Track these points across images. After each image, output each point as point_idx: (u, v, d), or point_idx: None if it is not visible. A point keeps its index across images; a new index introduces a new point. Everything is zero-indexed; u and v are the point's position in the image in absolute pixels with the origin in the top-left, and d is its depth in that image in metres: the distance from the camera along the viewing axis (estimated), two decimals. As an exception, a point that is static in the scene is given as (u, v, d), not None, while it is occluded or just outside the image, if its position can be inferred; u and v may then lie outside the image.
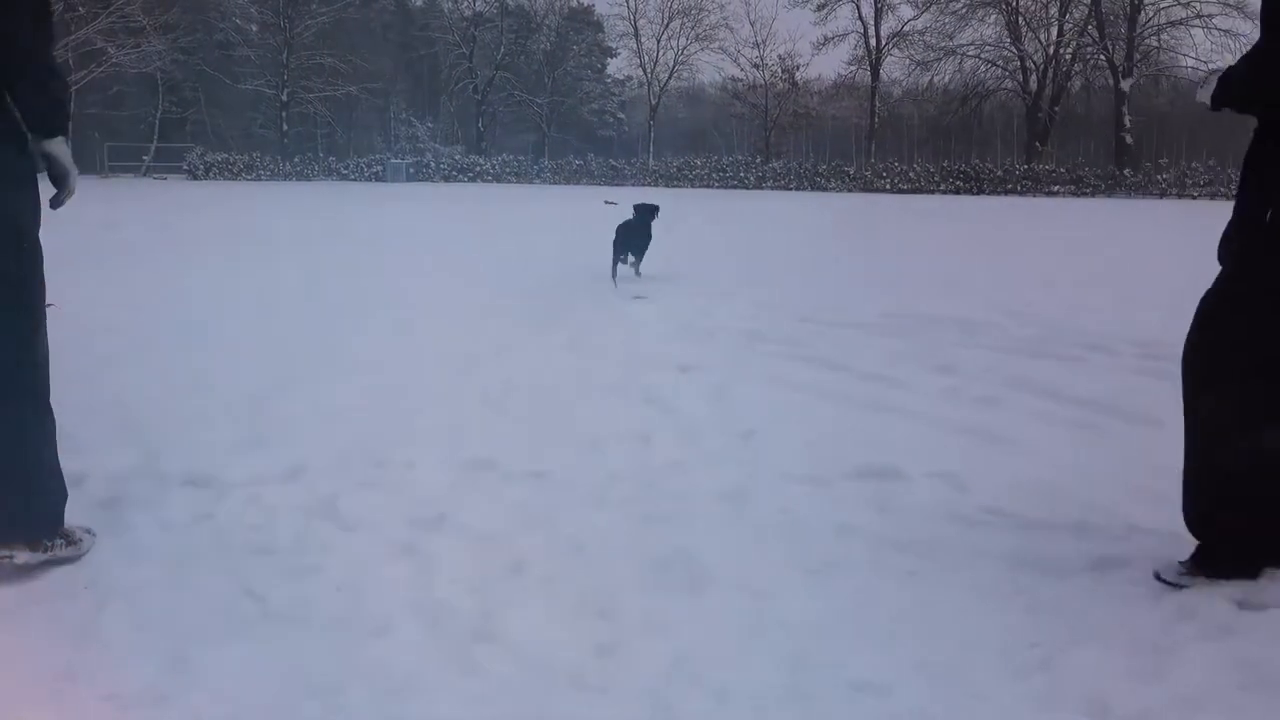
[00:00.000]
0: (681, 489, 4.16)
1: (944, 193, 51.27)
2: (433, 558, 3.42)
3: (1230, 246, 3.17)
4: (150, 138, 60.77)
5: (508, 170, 60.04)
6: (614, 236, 11.21)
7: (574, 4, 75.16)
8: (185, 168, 57.03)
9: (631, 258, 11.34)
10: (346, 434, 4.84)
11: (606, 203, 31.23)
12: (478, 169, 59.83)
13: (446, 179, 59.20)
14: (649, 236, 11.48)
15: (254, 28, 66.06)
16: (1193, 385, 3.24)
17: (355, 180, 57.55)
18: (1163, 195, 47.50)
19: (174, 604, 3.05)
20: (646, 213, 11.35)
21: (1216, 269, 3.26)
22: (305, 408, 5.32)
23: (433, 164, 60.37)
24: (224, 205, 29.54)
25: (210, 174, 56.16)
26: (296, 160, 59.29)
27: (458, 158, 62.20)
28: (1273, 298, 3.02)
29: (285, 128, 62.74)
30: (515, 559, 3.42)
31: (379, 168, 58.70)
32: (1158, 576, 3.20)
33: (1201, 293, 3.27)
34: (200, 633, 2.86)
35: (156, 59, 53.01)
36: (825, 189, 52.64)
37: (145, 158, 59.43)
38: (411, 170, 58.93)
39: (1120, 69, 54.52)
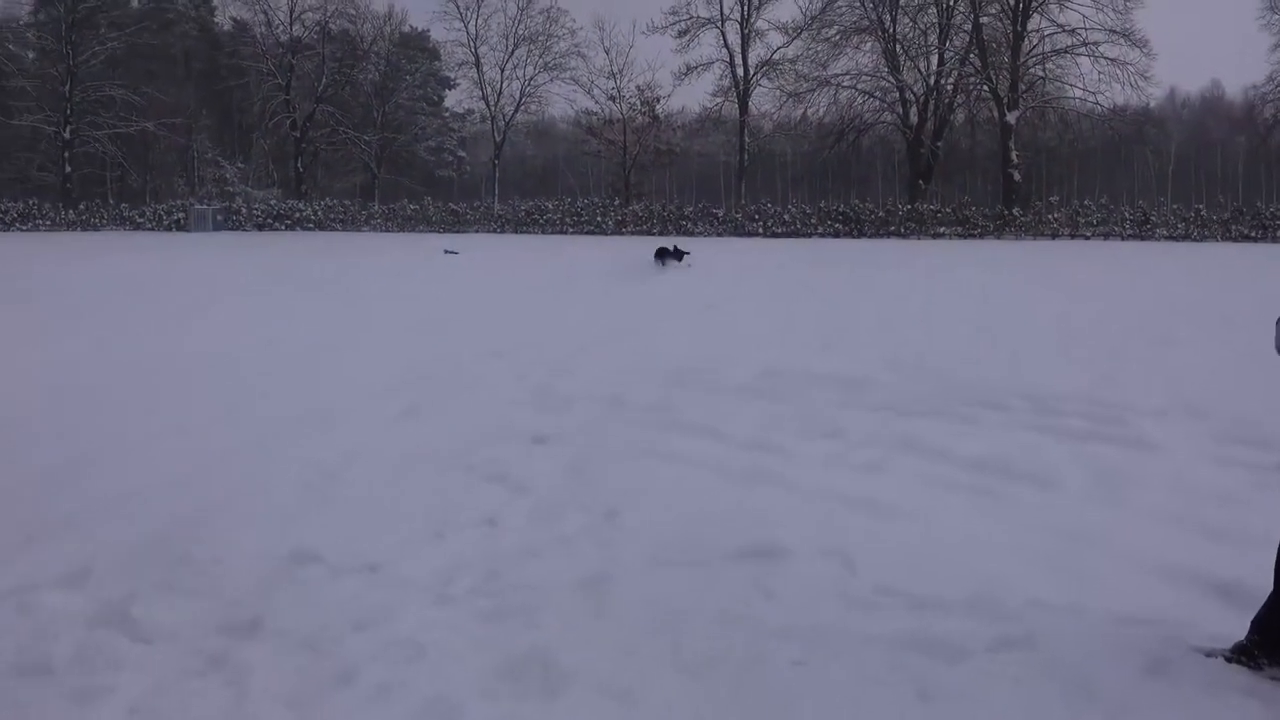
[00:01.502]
0: (535, 578, 4.12)
1: (822, 235, 52.60)
2: (246, 669, 3.31)
3: None
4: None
5: (332, 216, 59.28)
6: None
7: (406, 29, 75.28)
8: (-62, 221, 54.77)
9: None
10: (144, 523, 4.67)
11: (446, 252, 31.17)
12: (297, 215, 58.92)
13: (261, 227, 58.13)
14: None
15: (30, 54, 64.14)
16: None
17: (153, 230, 56.04)
18: (1054, 236, 49.59)
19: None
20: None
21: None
22: (94, 492, 5.12)
23: (245, 210, 59.25)
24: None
25: (-26, 225, 54.06)
26: (82, 208, 57.50)
27: (274, 203, 61.20)
28: None
29: (68, 170, 60.86)
30: (344, 667, 3.34)
31: (181, 215, 57.38)
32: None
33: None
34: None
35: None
36: (692, 233, 53.48)
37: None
38: (220, 217, 57.72)
39: (1005, 100, 56.95)
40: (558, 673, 3.30)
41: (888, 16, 62.81)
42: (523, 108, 71.79)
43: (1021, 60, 58.53)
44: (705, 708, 3.11)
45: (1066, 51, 58.86)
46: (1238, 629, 3.36)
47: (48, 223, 56.13)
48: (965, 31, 60.31)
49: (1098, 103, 57.68)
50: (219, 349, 10.66)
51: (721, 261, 25.02)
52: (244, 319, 13.62)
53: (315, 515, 4.90)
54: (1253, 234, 46.90)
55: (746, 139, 65.41)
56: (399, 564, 4.26)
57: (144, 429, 6.83)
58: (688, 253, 26.34)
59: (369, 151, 70.29)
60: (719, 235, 47.76)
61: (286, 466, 5.77)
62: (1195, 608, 3.78)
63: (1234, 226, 47.07)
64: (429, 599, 3.93)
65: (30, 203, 57.75)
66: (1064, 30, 58.43)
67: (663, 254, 25.90)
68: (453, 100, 79.34)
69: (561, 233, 55.65)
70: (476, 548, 4.50)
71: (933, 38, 62.51)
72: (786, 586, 4.05)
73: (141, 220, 57.61)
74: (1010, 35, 58.64)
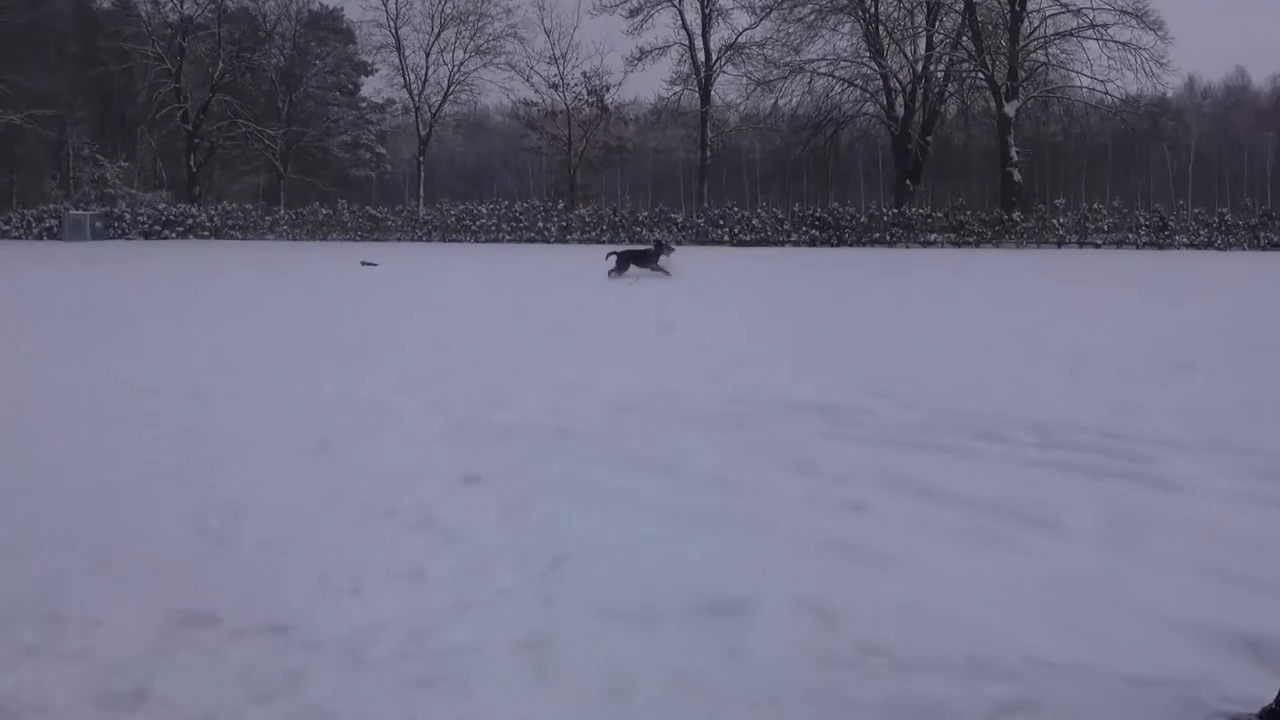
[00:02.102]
0: (467, 640, 4.11)
1: (796, 243, 52.94)
2: (128, 750, 3.28)
3: None
4: None
5: (231, 222, 59.13)
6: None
7: (315, 6, 75.21)
8: None
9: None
10: (8, 579, 4.62)
11: (364, 264, 31.09)
12: (190, 221, 58.72)
13: (148, 235, 57.81)
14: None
15: None
16: None
17: (20, 238, 55.56)
18: (1060, 244, 50.12)
19: None
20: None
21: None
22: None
23: (128, 216, 58.90)
24: None
25: None
26: (-67, 214, 57.03)
27: (162, 207, 60.91)
28: None
29: (-83, 170, 60.37)
30: (243, 746, 3.31)
31: (54, 221, 56.90)
32: None
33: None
34: None
35: None
36: (647, 241, 53.55)
37: None
38: (99, 224, 57.32)
39: (1003, 90, 57.54)
40: (492, 749, 3.30)
41: (869, -7, 62.87)
42: (451, 97, 72.01)
43: (1021, 44, 59.09)
44: (662, 787, 3.12)
45: (1072, 34, 59.34)
46: (1267, 690, 3.39)
47: (-110, 231, 55.59)
48: (957, 11, 60.72)
49: (1107, 93, 58.42)
50: (93, 378, 10.56)
51: (682, 273, 25.05)
52: (125, 342, 13.51)
53: (210, 567, 4.87)
54: (1284, 241, 47.23)
55: (709, 133, 65.78)
56: (309, 624, 4.23)
57: (7, 473, 6.76)
58: (673, 249, 25.87)
59: (273, 148, 70.14)
60: (678, 243, 47.87)
61: (176, 511, 5.72)
62: (1219, 666, 3.81)
63: (1262, 233, 47.55)
64: (344, 664, 3.91)
65: None
66: (1069, 10, 58.85)
67: (627, 259, 25.09)
68: (370, 89, 79.44)
69: (497, 241, 55.80)
70: (399, 604, 4.48)
71: (920, 18, 62.97)
72: (755, 645, 4.06)
73: (6, 228, 57.14)
74: (1008, 15, 59.09)
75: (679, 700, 3.62)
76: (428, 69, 70.37)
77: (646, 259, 25.28)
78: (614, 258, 25.05)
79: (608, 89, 68.90)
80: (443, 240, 56.82)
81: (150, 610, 4.34)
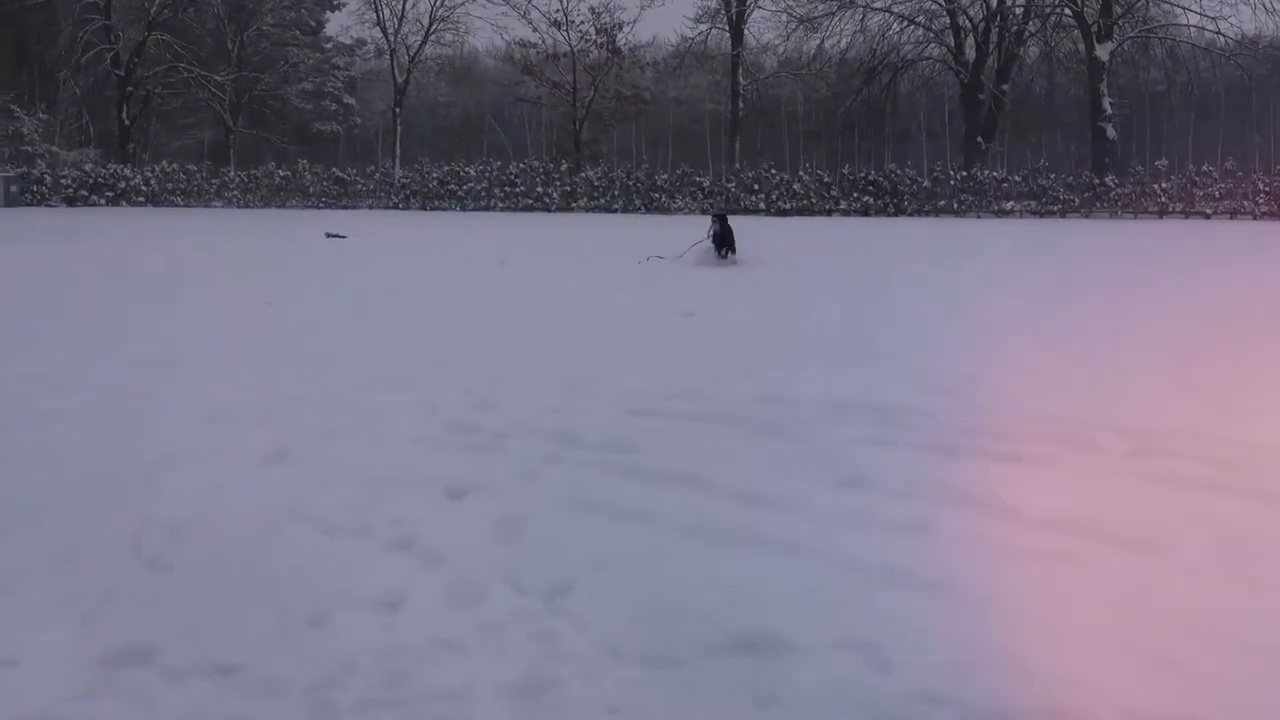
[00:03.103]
0: (452, 682, 4.14)
1: (846, 213, 52.78)
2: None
3: None
4: None
5: (171, 186, 59.19)
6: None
7: (270, -74, 75.07)
8: None
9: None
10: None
11: (329, 235, 31.15)
12: (123, 185, 58.80)
13: (72, 201, 57.93)
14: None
15: None
16: None
17: (-80, 204, 55.72)
18: (1162, 214, 49.88)
19: None
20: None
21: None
22: None
23: (49, 178, 58.99)
24: None
25: None
26: None
27: (89, 168, 60.97)
28: None
29: None
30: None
31: (-42, 186, 57.09)
32: None
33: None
34: None
35: None
36: (668, 210, 53.45)
37: None
38: (14, 189, 57.45)
39: (1094, 29, 57.22)
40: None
41: (935, -89, 62.46)
42: (434, 37, 71.78)
43: (1117, -26, 58.40)
44: None
45: (1179, -38, 58.56)
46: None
47: None
48: (1040, -65, 60.04)
49: (1220, 32, 58.00)
50: (7, 373, 10.59)
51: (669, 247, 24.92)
52: (49, 331, 13.55)
53: (149, 596, 4.89)
54: None
55: (741, 81, 65.53)
56: (263, 663, 4.26)
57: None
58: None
59: (220, 97, 70.10)
60: (704, 212, 47.85)
61: (107, 529, 5.75)
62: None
63: None
64: (304, 712, 3.94)
65: None
66: (1174, -67, 58.13)
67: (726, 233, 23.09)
68: (336, 27, 79.36)
69: (488, 209, 55.77)
70: (372, 640, 4.51)
71: (997, -57, 62.36)
72: (792, 692, 4.08)
73: (-97, 192, 57.15)
74: (1102, -61, 58.42)
75: (701, 755, 3.65)
76: (405, 3, 70.21)
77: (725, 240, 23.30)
78: (707, 238, 23.12)
79: (620, 27, 68.66)
80: (423, 208, 56.82)
81: (75, 648, 4.37)
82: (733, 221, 23.58)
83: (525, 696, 4.03)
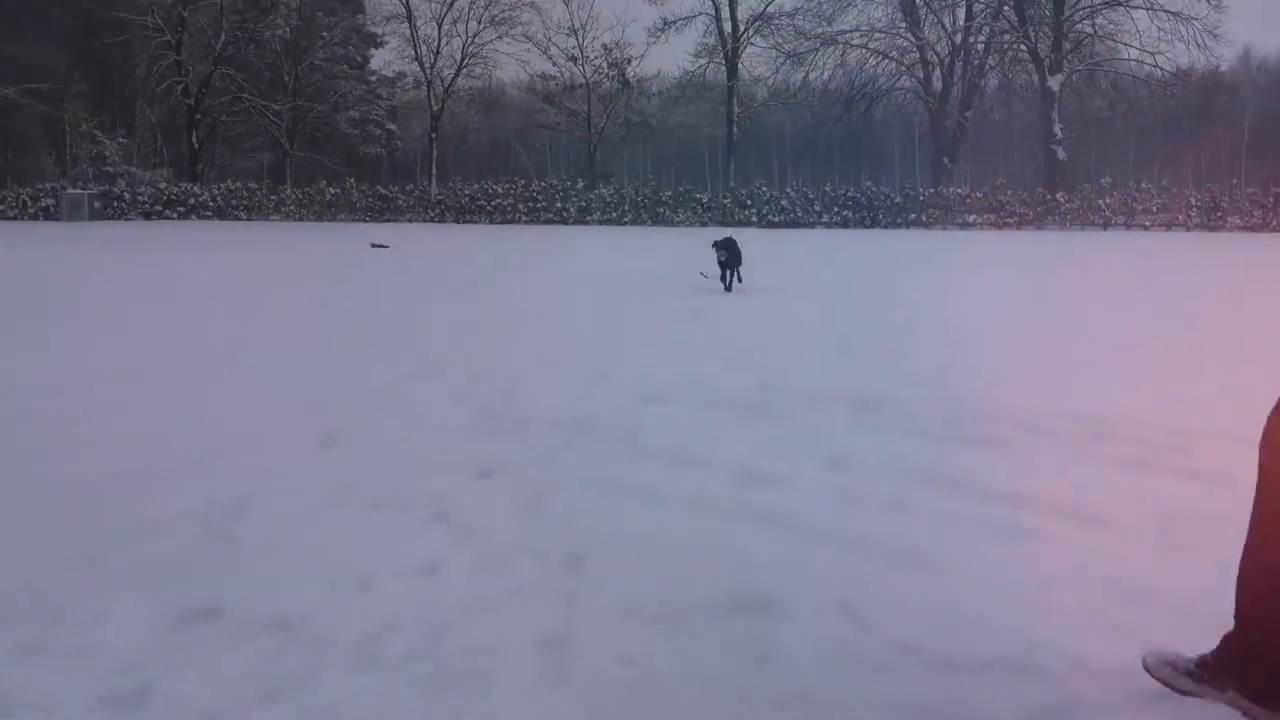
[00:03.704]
0: (483, 638, 4.12)
1: (828, 225, 52.78)
2: (132, 751, 3.30)
3: None
4: None
5: (235, 202, 59.20)
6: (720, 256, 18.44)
7: (322, -26, 75.08)
8: None
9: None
10: (17, 571, 4.66)
11: (373, 245, 31.15)
12: (192, 201, 58.83)
13: (148, 215, 57.98)
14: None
15: None
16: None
17: (16, 219, 55.78)
18: (1106, 225, 49.88)
19: None
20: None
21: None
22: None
23: (128, 195, 59.05)
24: None
25: None
26: (-76, 193, 57.24)
27: (163, 186, 61.01)
28: None
29: (-94, 146, 60.58)
30: (250, 747, 3.33)
31: (50, 201, 57.09)
32: (1147, 669, 3.38)
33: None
34: None
35: None
36: (671, 223, 53.53)
37: None
38: (98, 204, 57.50)
39: (1047, 62, 57.26)
40: (510, 752, 3.31)
41: (906, -40, 62.56)
42: (465, 71, 71.73)
43: (1066, 14, 58.73)
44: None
45: (1120, 3, 58.84)
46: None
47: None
48: (999, -21, 60.14)
49: (1157, 65, 58.01)
50: (84, 366, 10.60)
51: (709, 258, 24.93)
52: (120, 330, 13.56)
53: (215, 563, 4.88)
54: (1345, 223, 46.85)
55: (736, 109, 65.52)
56: (318, 621, 4.25)
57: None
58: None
59: (278, 124, 70.06)
60: (704, 225, 47.82)
61: (178, 505, 5.74)
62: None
63: (1323, 214, 47.15)
64: (354, 663, 3.92)
65: None
66: (1117, -23, 58.20)
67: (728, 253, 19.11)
68: (380, 62, 79.36)
69: (514, 222, 55.74)
70: (412, 601, 4.49)
71: (959, -14, 62.37)
72: (786, 647, 4.06)
73: (2, 207, 57.23)
74: (1053, -17, 58.50)
75: (704, 703, 3.63)
76: (440, 40, 70.23)
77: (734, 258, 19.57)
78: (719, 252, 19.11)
79: (629, 62, 68.79)
80: (456, 221, 56.82)
81: (153, 607, 4.35)
82: (734, 233, 21.56)
83: (548, 650, 4.02)
